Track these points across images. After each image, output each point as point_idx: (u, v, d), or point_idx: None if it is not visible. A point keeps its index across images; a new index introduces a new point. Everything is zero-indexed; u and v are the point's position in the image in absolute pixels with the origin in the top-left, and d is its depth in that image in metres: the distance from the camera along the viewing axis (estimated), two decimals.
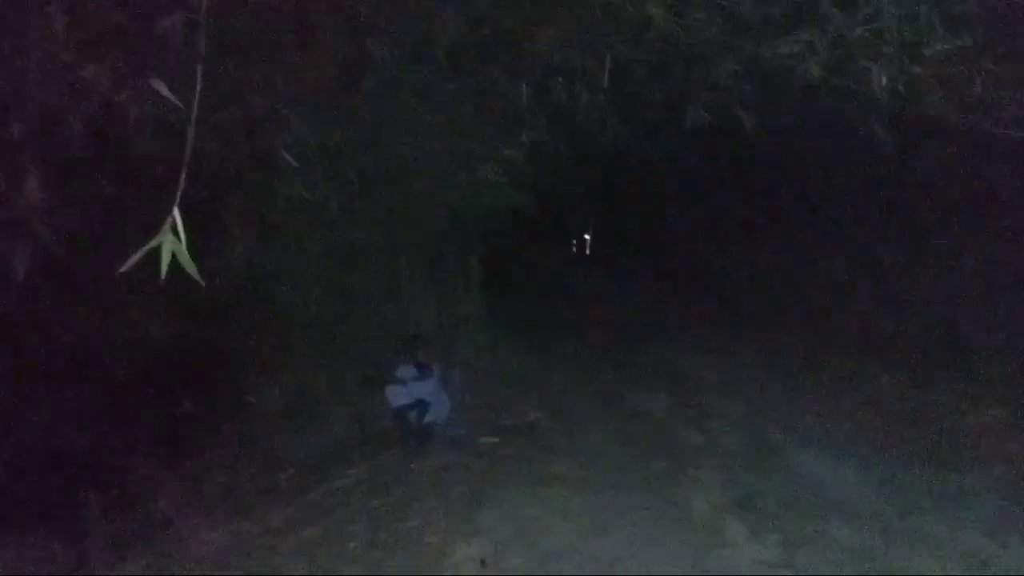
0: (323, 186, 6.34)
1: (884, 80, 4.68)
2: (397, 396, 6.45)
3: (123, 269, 2.27)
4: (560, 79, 5.88)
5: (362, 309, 7.62)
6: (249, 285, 6.73)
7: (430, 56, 5.40)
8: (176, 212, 2.27)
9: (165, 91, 2.90)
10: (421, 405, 6.43)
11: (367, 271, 7.65)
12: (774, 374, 8.05)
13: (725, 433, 6.35)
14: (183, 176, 2.42)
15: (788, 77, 5.10)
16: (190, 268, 2.29)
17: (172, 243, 2.26)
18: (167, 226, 2.26)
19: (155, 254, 2.29)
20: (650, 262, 15.47)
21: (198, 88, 2.62)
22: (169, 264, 2.28)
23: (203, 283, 2.41)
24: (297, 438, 6.73)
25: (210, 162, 5.05)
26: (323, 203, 6.65)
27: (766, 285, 11.07)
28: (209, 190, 5.31)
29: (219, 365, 6.64)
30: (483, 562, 4.11)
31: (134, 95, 4.19)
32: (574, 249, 21.83)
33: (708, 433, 6.37)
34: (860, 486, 5.10)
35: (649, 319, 11.89)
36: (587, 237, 21.27)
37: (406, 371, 6.51)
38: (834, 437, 6.09)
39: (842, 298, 9.31)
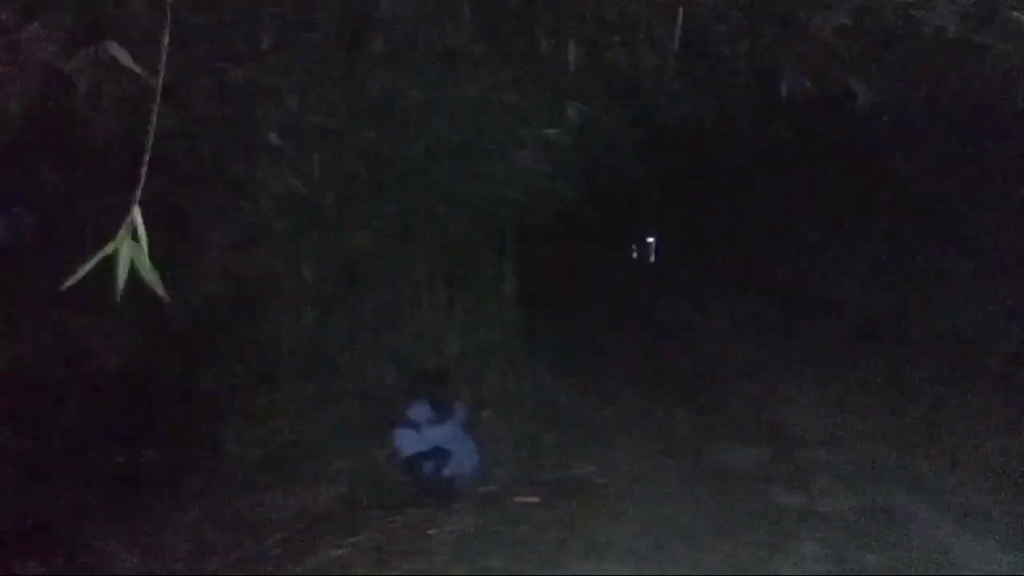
0: (319, 177, 6.40)
1: None
2: (410, 443, 6.43)
3: (69, 282, 2.28)
4: (617, 38, 5.87)
5: (367, 333, 7.65)
6: (226, 302, 6.80)
7: (453, 10, 5.41)
8: (136, 210, 2.27)
9: (124, 58, 2.93)
10: (440, 454, 6.42)
11: (373, 285, 7.69)
12: (899, 420, 7.92)
13: (830, 495, 6.23)
14: (145, 165, 2.42)
15: (912, 33, 5.04)
16: (153, 280, 2.29)
17: (131, 249, 2.26)
18: (125, 228, 2.27)
19: (109, 263, 2.29)
20: (735, 274, 15.34)
21: (164, 53, 2.63)
22: (127, 275, 2.28)
23: (169, 299, 2.41)
24: (286, 495, 6.74)
25: (178, 147, 5.10)
26: (318, 198, 6.71)
27: (893, 304, 10.90)
28: (177, 182, 5.36)
29: (189, 403, 6.70)
30: None
31: (85, 63, 4.24)
32: (635, 256, 21.76)
33: (809, 496, 6.26)
34: (1003, 563, 4.96)
35: (733, 348, 11.78)
36: (652, 241, 21.12)
37: (422, 412, 6.50)
38: (972, 500, 5.95)
39: (996, 325, 9.14)
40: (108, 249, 2.26)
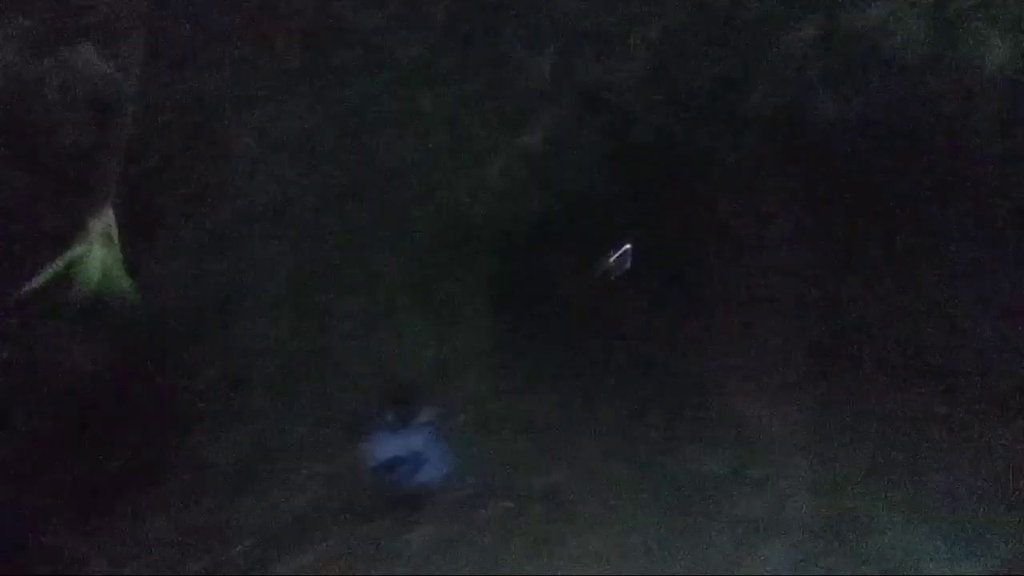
0: (294, 184, 6.37)
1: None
2: (384, 449, 6.43)
3: (36, 284, 2.26)
4: (591, 48, 5.89)
5: (340, 340, 7.61)
6: (198, 307, 6.74)
7: (424, 19, 5.42)
8: (110, 212, 2.25)
9: (96, 60, 2.90)
10: (414, 460, 6.42)
11: (348, 292, 7.64)
12: (870, 426, 7.97)
13: (799, 501, 6.27)
14: (117, 167, 2.40)
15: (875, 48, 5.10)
16: (125, 284, 2.28)
17: (104, 252, 2.23)
18: (97, 230, 2.24)
19: (78, 266, 2.26)
20: (708, 282, 15.33)
21: (139, 56, 2.61)
22: (99, 280, 2.24)
23: (140, 303, 2.39)
24: (255, 501, 6.70)
25: (150, 150, 5.07)
26: (293, 205, 6.67)
27: (858, 311, 10.95)
28: (149, 186, 5.32)
29: (156, 408, 6.63)
30: None
31: (55, 66, 4.20)
32: (612, 262, 21.68)
33: (777, 501, 6.30)
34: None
35: (705, 355, 11.78)
36: (627, 247, 21.13)
37: (396, 417, 6.49)
38: (937, 510, 6.01)
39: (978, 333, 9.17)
40: (79, 251, 2.22)
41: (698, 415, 8.83)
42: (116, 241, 2.26)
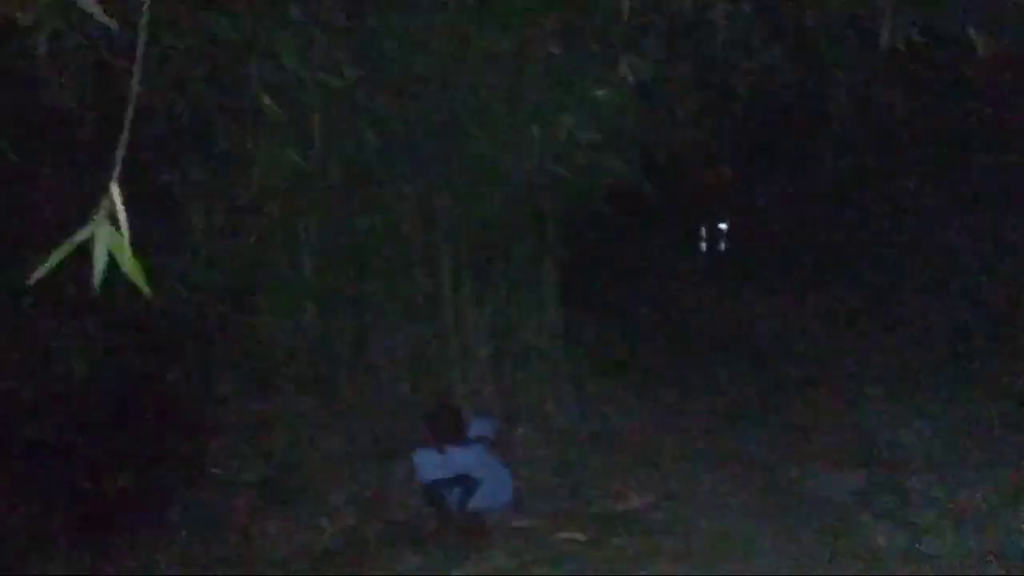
0: (323, 149, 6.43)
1: None
2: (430, 468, 6.50)
3: (36, 276, 2.29)
4: None
5: (379, 335, 7.69)
6: (215, 300, 6.87)
7: None
8: (115, 190, 2.29)
9: (97, 11, 2.94)
10: (466, 482, 6.47)
11: (387, 278, 7.72)
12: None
13: (937, 532, 6.22)
14: (125, 137, 2.44)
15: None
16: (134, 273, 2.31)
17: (109, 236, 2.27)
18: (101, 211, 2.28)
19: (82, 253, 2.30)
20: (826, 269, 15.11)
21: (146, 6, 2.66)
22: (105, 268, 2.28)
23: (151, 295, 2.41)
24: (281, 529, 6.82)
25: (159, 116, 5.17)
26: (322, 175, 6.75)
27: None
28: (158, 158, 5.44)
29: (170, 419, 6.78)
30: None
31: (49, 14, 4.31)
32: (704, 246, 21.54)
33: (910, 532, 6.25)
34: None
35: (824, 357, 11.66)
36: (723, 227, 20.91)
37: (444, 429, 6.57)
38: None
39: None
40: (81, 236, 2.25)
41: (814, 428, 8.76)
42: (122, 221, 2.30)
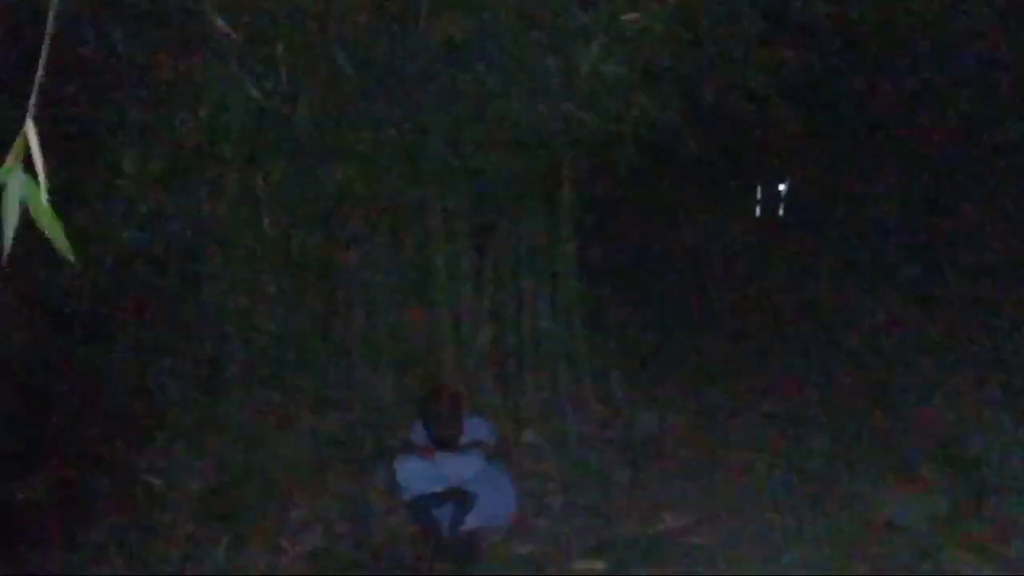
0: (288, 80, 6.43)
1: None
2: (416, 479, 6.55)
3: None
4: None
5: (356, 319, 7.72)
6: (152, 268, 6.88)
7: None
8: (31, 128, 2.30)
9: None
10: (460, 497, 6.51)
11: (368, 247, 7.73)
12: None
13: None
14: (43, 61, 2.46)
15: None
16: (54, 232, 2.32)
17: (23, 185, 2.28)
18: (13, 154, 2.30)
19: None
20: (916, 245, 15.09)
21: None
22: (17, 225, 2.30)
23: (74, 260, 2.43)
24: (231, 552, 6.85)
25: (84, 38, 5.17)
26: (287, 113, 6.75)
27: None
28: (83, 91, 5.44)
29: (94, 414, 6.80)
30: None
31: None
32: (758, 211, 21.52)
33: (1009, 565, 6.27)
34: None
35: (904, 352, 11.66)
36: (782, 188, 20.90)
37: (434, 433, 6.65)
38: None
39: None
40: None
41: (888, 439, 8.77)
42: (39, 167, 2.31)
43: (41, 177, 2.28)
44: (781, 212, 21.17)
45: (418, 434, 6.78)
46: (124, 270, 6.67)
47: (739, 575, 6.19)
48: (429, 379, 7.50)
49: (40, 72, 2.40)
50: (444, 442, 6.65)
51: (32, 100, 2.35)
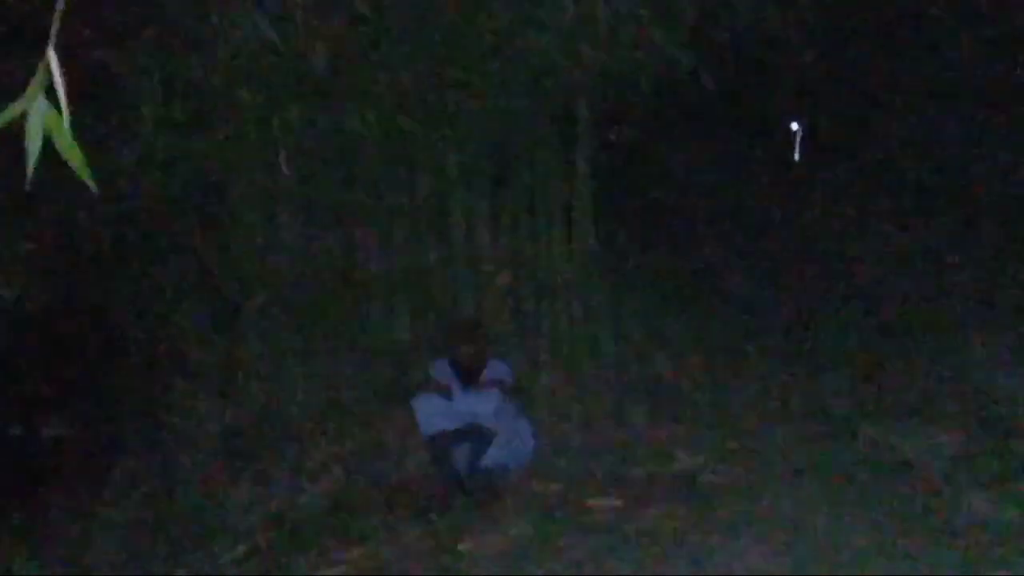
0: (305, 21, 6.41)
1: None
2: (434, 417, 6.61)
3: None
4: None
5: (373, 260, 7.71)
6: (171, 208, 6.88)
7: None
8: (52, 56, 2.30)
9: None
10: (478, 434, 6.57)
11: (383, 188, 7.72)
12: None
13: None
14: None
15: None
16: (76, 160, 2.32)
17: (45, 113, 2.28)
18: (36, 83, 2.29)
19: (11, 136, 2.32)
20: (934, 189, 14.97)
21: None
22: (39, 155, 2.30)
23: (97, 189, 2.42)
24: (250, 491, 6.89)
25: None
26: (303, 55, 6.73)
27: None
28: (101, 31, 5.43)
29: (116, 355, 6.82)
30: None
31: None
32: (779, 146, 21.25)
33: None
34: None
35: (920, 294, 11.61)
36: (796, 129, 20.68)
37: (451, 372, 6.68)
38: None
39: None
40: (13, 111, 2.26)
41: (904, 378, 8.74)
42: (61, 95, 2.31)
43: (63, 106, 2.28)
44: (798, 152, 21.00)
45: (439, 371, 6.80)
46: (143, 211, 6.67)
47: (753, 513, 6.19)
48: (454, 314, 7.50)
49: (60, 5, 2.40)
50: (467, 375, 6.67)
51: (54, 30, 2.35)
